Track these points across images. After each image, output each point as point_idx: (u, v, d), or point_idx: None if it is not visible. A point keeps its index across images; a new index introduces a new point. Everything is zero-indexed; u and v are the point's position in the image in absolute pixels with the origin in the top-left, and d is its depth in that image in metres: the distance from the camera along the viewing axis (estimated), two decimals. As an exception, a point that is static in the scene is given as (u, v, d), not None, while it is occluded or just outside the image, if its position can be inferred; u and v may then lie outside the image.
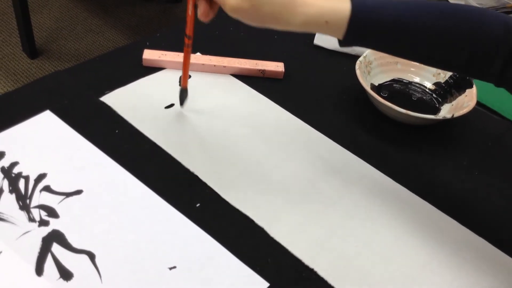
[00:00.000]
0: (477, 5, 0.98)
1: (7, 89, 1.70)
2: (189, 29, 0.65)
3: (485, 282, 0.58)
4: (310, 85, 0.81)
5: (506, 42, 0.52)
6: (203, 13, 0.58)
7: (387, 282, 0.56)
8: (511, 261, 0.61)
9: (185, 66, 0.69)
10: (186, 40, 0.67)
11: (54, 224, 0.55)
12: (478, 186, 0.70)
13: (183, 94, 0.71)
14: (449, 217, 0.64)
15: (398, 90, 0.83)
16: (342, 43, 0.56)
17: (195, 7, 0.61)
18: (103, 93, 0.72)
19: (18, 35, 1.85)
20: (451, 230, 0.63)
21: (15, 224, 0.54)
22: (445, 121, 0.77)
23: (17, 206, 0.56)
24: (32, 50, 1.84)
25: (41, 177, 0.59)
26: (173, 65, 0.79)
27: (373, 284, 0.56)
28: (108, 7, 2.16)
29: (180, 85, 0.71)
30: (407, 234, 0.61)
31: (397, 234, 0.61)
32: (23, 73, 1.80)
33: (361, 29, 0.54)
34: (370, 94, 0.75)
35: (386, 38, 0.55)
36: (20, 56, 1.86)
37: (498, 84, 0.55)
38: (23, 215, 0.55)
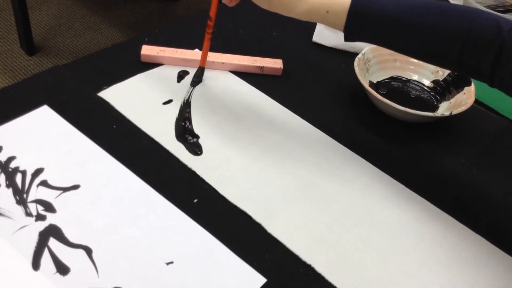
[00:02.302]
0: (477, 4, 0.98)
1: (5, 86, 1.70)
2: (212, 11, 0.69)
3: (482, 280, 0.58)
4: (309, 82, 0.81)
5: (497, 41, 0.53)
6: None
7: (385, 278, 0.56)
8: (509, 258, 0.61)
9: (205, 48, 0.74)
10: (209, 22, 0.70)
11: (51, 218, 0.55)
12: (476, 184, 0.70)
13: (200, 73, 0.76)
14: (447, 215, 0.64)
15: (396, 88, 0.83)
16: (345, 36, 0.59)
17: None
18: (101, 89, 0.72)
19: (16, 32, 1.85)
20: (449, 228, 0.63)
21: (12, 219, 0.54)
22: (443, 118, 0.77)
23: (14, 201, 0.56)
24: (30, 47, 1.84)
25: (38, 171, 0.59)
26: (171, 61, 0.78)
27: (371, 281, 0.56)
28: (106, 5, 2.15)
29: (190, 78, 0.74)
30: (405, 231, 0.61)
31: (395, 231, 0.61)
32: (21, 70, 1.80)
33: (360, 21, 0.57)
34: (368, 92, 0.75)
35: (383, 32, 0.57)
36: (18, 53, 1.86)
37: (491, 84, 0.57)
38: (20, 209, 0.55)
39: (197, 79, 0.76)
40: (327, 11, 0.57)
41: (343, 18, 0.57)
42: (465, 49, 0.54)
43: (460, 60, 0.56)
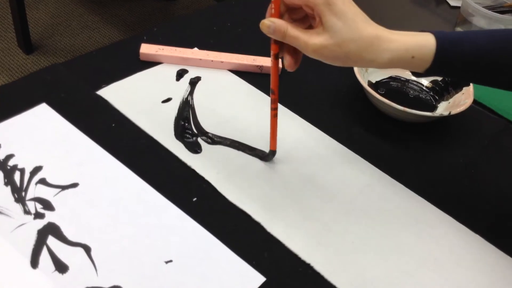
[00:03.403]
0: (475, 5, 0.98)
1: (2, 84, 1.69)
2: (273, 84, 0.59)
3: (480, 279, 0.58)
4: (308, 82, 0.81)
5: None
6: (289, 65, 0.57)
7: (383, 277, 0.56)
8: (506, 258, 0.61)
9: (273, 127, 0.63)
10: (272, 96, 0.60)
11: (49, 216, 0.55)
12: (474, 184, 0.70)
13: (270, 156, 0.66)
14: (445, 214, 0.64)
15: (395, 88, 0.83)
16: (419, 74, 0.56)
17: (276, 56, 0.57)
18: (100, 87, 0.72)
19: (14, 30, 1.85)
20: (447, 227, 0.63)
21: (10, 217, 0.54)
22: (441, 119, 0.77)
23: (12, 199, 0.56)
24: (27, 45, 1.83)
25: (36, 169, 0.59)
26: (170, 60, 0.78)
27: (369, 280, 0.56)
28: (104, 4, 2.15)
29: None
30: (403, 230, 0.61)
31: (394, 230, 0.61)
32: (18, 68, 1.79)
33: (446, 61, 0.53)
34: (367, 91, 0.75)
35: (470, 69, 0.55)
36: (16, 51, 1.85)
37: None
38: (18, 207, 0.55)
39: (268, 159, 0.66)
40: (413, 57, 0.52)
41: (429, 61, 0.53)
42: None
43: None
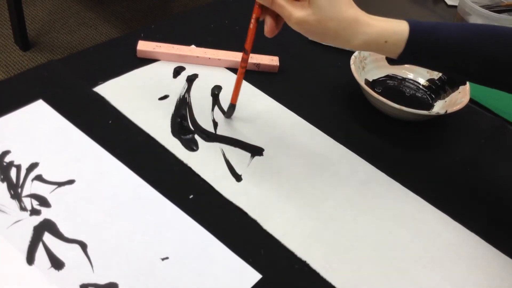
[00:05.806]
0: (472, 4, 0.98)
1: (-1, 81, 1.68)
2: (248, 44, 0.64)
3: (476, 277, 0.58)
4: (305, 80, 0.81)
5: None
6: (270, 30, 0.59)
7: (379, 275, 0.56)
8: (502, 256, 0.61)
9: (238, 82, 0.68)
10: (243, 55, 0.65)
11: (45, 213, 0.55)
12: (470, 182, 0.70)
13: (231, 110, 0.70)
14: (441, 213, 0.65)
15: (392, 86, 0.83)
16: (393, 61, 0.58)
17: (258, 21, 0.61)
18: (97, 84, 0.71)
19: (11, 27, 1.84)
20: (443, 225, 0.63)
21: (6, 213, 0.54)
22: (438, 117, 0.77)
23: (8, 195, 0.56)
24: (24, 42, 1.83)
25: (33, 166, 0.59)
26: (167, 57, 0.78)
27: (365, 277, 0.56)
28: (102, 1, 2.15)
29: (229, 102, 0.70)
30: (399, 228, 0.62)
31: (390, 228, 0.61)
32: (14, 65, 1.79)
33: (417, 49, 0.56)
34: (364, 89, 0.75)
35: (439, 58, 0.57)
36: (12, 48, 1.85)
37: None
38: (14, 204, 0.55)
39: (228, 116, 0.71)
40: (386, 41, 0.55)
41: (401, 47, 0.56)
42: None
43: None
